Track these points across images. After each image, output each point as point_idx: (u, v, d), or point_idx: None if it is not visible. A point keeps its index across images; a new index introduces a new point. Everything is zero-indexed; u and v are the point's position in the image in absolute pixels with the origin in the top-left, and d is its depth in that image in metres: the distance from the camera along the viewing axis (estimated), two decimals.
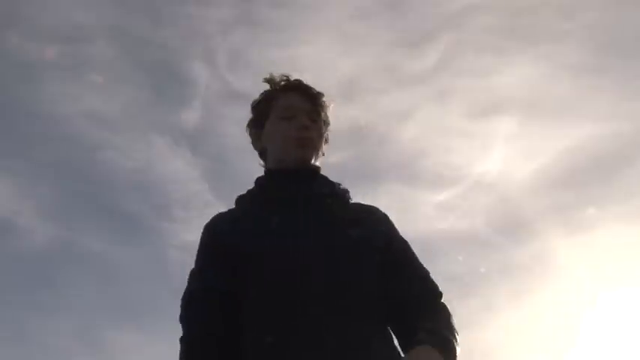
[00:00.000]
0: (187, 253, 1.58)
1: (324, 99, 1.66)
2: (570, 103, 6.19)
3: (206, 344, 1.38)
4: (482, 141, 6.36)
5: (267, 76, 1.68)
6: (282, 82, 1.66)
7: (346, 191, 1.59)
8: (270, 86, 1.68)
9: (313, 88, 1.66)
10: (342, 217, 1.51)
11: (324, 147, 1.66)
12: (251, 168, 1.68)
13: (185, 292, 1.47)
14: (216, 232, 1.52)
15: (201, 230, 1.56)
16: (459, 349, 1.38)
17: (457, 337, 1.40)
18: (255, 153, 1.70)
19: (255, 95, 1.71)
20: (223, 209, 1.60)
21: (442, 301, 1.49)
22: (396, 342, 1.45)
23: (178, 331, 1.44)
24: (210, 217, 1.57)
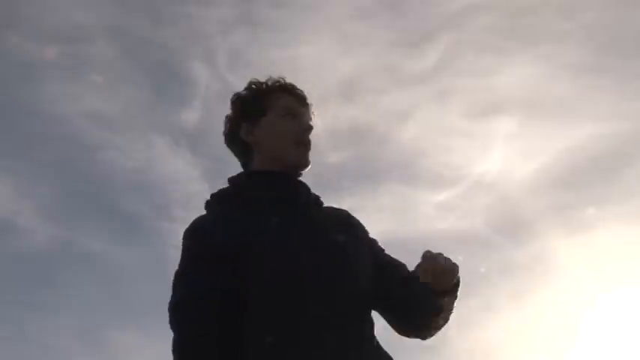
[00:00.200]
0: None
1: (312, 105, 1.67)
2: (570, 103, 6.19)
3: (200, 345, 1.36)
4: (482, 141, 6.35)
5: (255, 78, 1.65)
6: (278, 83, 1.64)
7: (319, 197, 1.61)
8: (264, 85, 1.64)
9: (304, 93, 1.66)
10: (331, 222, 1.54)
11: None
12: None
13: (174, 297, 1.42)
14: (206, 234, 1.46)
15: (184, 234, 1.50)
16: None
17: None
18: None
19: None
20: None
21: None
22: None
23: None
24: (194, 223, 1.50)
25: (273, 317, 1.37)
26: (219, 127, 1.68)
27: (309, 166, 1.59)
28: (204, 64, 6.20)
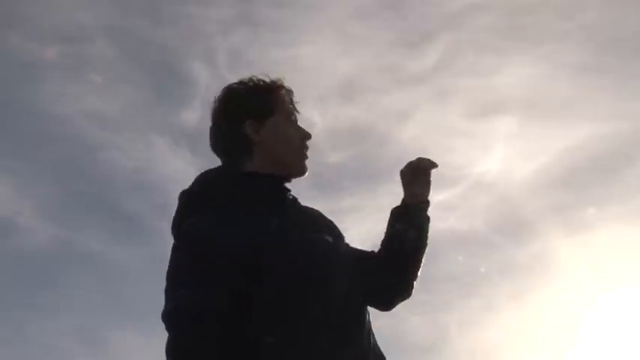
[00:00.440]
0: None
1: None
2: (570, 103, 6.20)
3: (200, 346, 1.32)
4: (482, 141, 6.36)
5: (256, 75, 1.59)
6: (282, 84, 1.60)
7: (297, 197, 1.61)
8: (271, 83, 1.59)
9: None
10: (318, 223, 1.55)
11: None
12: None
13: (173, 298, 1.37)
14: (208, 235, 1.41)
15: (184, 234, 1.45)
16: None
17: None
18: None
19: None
20: None
21: None
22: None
23: None
24: (192, 224, 1.45)
25: (273, 317, 1.36)
26: None
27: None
28: (204, 64, 6.21)
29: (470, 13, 6.00)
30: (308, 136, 1.59)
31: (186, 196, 1.53)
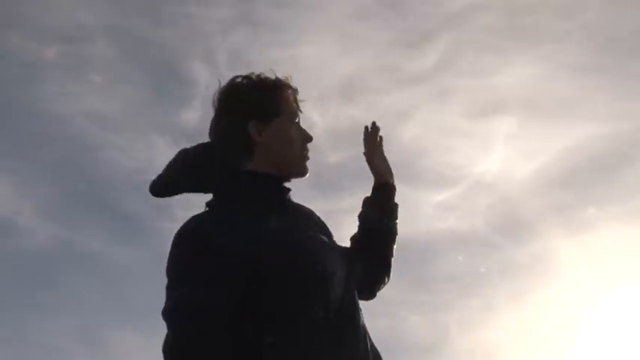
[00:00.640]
0: None
1: None
2: (570, 103, 6.20)
3: (201, 344, 1.31)
4: (482, 141, 6.37)
5: (262, 72, 1.56)
6: (287, 83, 1.58)
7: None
8: (277, 82, 1.56)
9: None
10: (312, 222, 1.57)
11: None
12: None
13: (172, 297, 1.37)
14: (210, 235, 1.40)
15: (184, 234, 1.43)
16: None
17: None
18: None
19: None
20: None
21: None
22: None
23: None
24: (191, 223, 1.45)
25: (273, 317, 1.36)
26: None
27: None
28: (204, 64, 6.21)
29: (470, 13, 6.01)
30: (309, 138, 1.59)
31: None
